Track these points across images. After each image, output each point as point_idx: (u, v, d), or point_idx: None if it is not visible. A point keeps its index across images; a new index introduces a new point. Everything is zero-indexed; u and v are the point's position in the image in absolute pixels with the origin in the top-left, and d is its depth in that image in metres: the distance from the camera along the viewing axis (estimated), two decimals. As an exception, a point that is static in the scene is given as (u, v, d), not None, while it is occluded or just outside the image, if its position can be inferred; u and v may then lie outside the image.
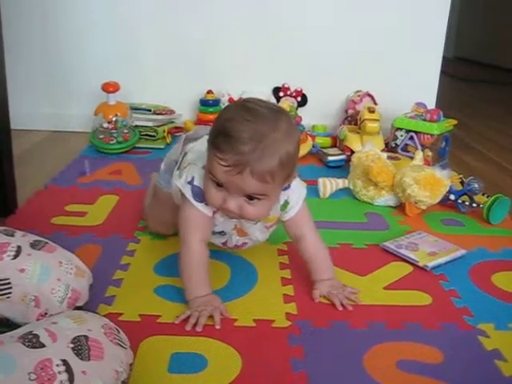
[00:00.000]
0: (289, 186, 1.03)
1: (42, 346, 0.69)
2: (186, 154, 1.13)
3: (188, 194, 1.02)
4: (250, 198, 0.94)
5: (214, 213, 1.03)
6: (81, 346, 0.71)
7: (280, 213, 1.08)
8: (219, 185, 0.94)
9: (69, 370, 0.67)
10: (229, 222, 1.06)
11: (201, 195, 1.01)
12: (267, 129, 0.90)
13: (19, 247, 0.91)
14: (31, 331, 0.71)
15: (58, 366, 0.67)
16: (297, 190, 1.08)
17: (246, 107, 0.93)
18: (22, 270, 0.89)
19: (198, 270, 1.03)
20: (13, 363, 0.65)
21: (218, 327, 0.95)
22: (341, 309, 1.03)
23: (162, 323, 0.98)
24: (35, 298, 0.88)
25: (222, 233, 1.09)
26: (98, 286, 1.02)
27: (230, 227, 1.08)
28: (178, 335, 0.94)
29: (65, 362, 0.68)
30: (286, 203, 1.07)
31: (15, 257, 0.90)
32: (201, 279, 1.02)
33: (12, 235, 0.94)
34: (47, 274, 0.90)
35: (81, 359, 0.69)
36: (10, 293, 0.88)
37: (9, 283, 0.88)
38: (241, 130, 0.89)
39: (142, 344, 0.91)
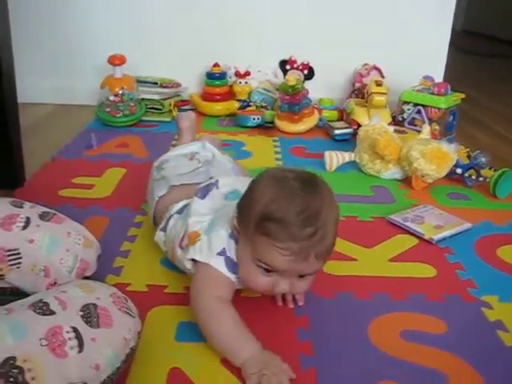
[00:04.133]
0: None
1: (53, 313, 0.70)
2: (171, 216, 1.05)
3: (221, 266, 0.89)
4: (302, 275, 0.88)
5: None
6: (90, 314, 0.72)
7: None
8: (269, 270, 0.86)
9: (78, 337, 0.69)
10: None
11: (235, 267, 0.90)
12: (317, 202, 0.83)
13: (28, 218, 0.92)
14: (41, 299, 0.72)
15: (68, 332, 0.68)
16: None
17: (283, 181, 0.85)
18: (32, 241, 0.90)
19: (236, 326, 0.84)
20: (24, 329, 0.66)
21: None
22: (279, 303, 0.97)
23: (169, 293, 0.99)
24: (45, 268, 0.90)
25: None
26: (105, 256, 1.03)
27: None
28: (184, 305, 0.95)
29: (75, 329, 0.69)
30: None
31: (24, 228, 0.91)
32: (243, 333, 0.84)
33: (21, 206, 0.95)
34: (56, 245, 0.92)
35: (90, 326, 0.71)
36: (19, 263, 0.89)
37: (18, 253, 0.89)
38: (292, 212, 0.81)
39: (149, 313, 0.92)
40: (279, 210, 0.82)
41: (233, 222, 0.90)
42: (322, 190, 0.86)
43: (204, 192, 1.02)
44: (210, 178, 1.06)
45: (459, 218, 1.31)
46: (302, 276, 0.88)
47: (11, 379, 0.61)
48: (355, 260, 1.14)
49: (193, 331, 0.88)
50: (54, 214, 0.97)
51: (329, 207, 0.85)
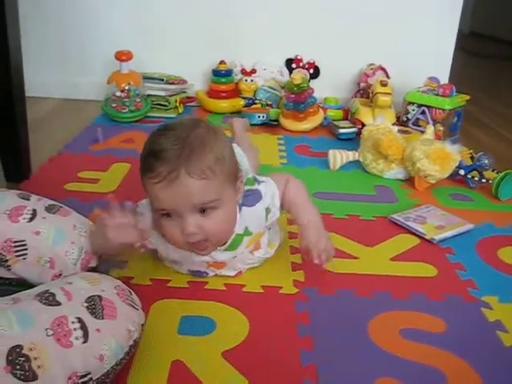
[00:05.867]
0: (258, 196, 0.99)
1: (58, 304, 0.71)
2: None
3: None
4: (203, 210, 0.89)
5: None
6: (95, 305, 0.74)
7: (266, 223, 1.02)
8: (170, 215, 0.90)
9: (83, 327, 0.70)
10: (197, 259, 0.99)
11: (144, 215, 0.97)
12: (187, 130, 0.88)
13: (35, 210, 0.94)
14: (47, 290, 0.74)
15: (73, 323, 0.70)
16: (268, 195, 1.00)
17: (162, 128, 0.92)
18: (38, 233, 0.91)
19: None
20: (31, 319, 0.67)
21: None
22: (316, 261, 0.98)
23: (173, 287, 1.00)
24: (50, 259, 0.91)
25: (200, 273, 1.03)
26: (110, 250, 1.04)
27: (203, 266, 1.02)
28: (187, 299, 0.97)
29: (80, 320, 0.70)
30: (268, 211, 1.00)
31: (31, 220, 0.92)
32: None
33: (28, 199, 0.96)
34: (62, 237, 0.93)
35: (95, 317, 0.72)
36: (25, 254, 0.90)
37: (25, 245, 0.90)
38: (161, 142, 0.87)
39: (152, 306, 0.94)
40: (150, 146, 0.89)
41: None
42: (198, 125, 0.90)
43: None
44: None
45: (461, 218, 1.31)
46: (202, 212, 0.88)
47: (18, 367, 0.62)
48: (357, 258, 1.14)
49: (195, 325, 0.90)
50: (60, 207, 0.98)
51: (201, 133, 0.88)
